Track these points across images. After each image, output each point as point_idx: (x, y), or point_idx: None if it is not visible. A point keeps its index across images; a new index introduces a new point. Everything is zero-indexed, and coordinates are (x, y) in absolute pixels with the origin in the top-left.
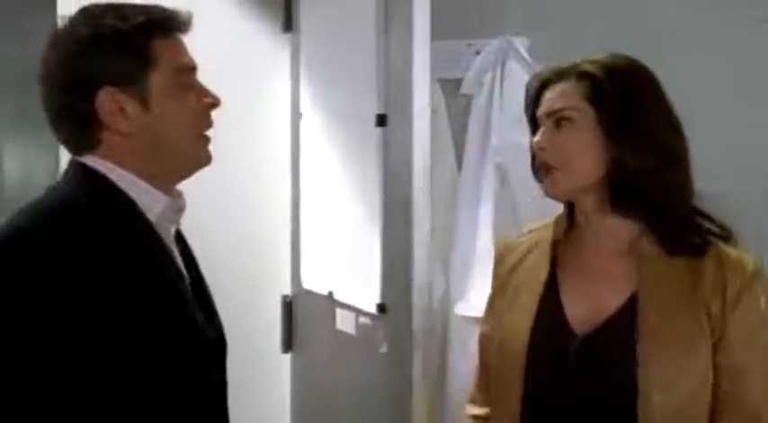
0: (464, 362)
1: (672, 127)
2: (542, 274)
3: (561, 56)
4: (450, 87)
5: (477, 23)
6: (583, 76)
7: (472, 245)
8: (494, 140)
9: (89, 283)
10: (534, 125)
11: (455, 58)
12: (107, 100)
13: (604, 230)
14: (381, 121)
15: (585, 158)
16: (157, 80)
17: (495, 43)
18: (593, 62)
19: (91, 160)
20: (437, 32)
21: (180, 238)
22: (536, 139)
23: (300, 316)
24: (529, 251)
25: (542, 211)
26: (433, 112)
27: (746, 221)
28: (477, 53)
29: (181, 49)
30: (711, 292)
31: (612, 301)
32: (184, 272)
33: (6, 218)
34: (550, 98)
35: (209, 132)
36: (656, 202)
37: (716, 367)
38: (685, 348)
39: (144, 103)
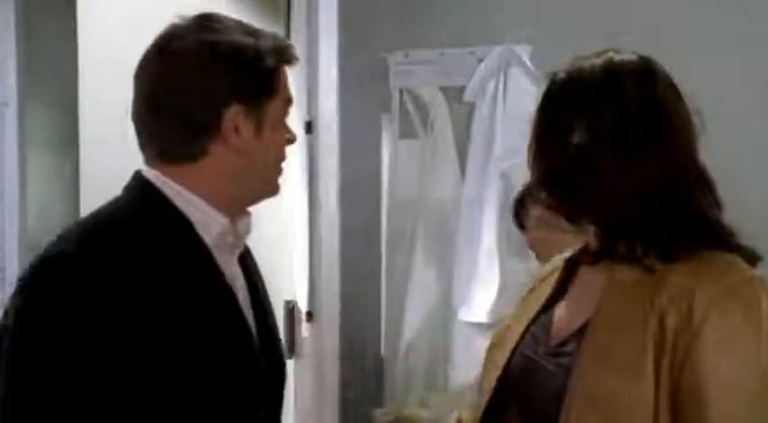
0: (467, 369)
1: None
2: (547, 290)
3: (563, 64)
4: (453, 95)
5: (480, 31)
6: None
7: (476, 251)
8: (497, 148)
9: (125, 311)
10: None
11: (459, 65)
12: (234, 117)
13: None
14: (308, 128)
15: None
16: (273, 107)
17: (497, 51)
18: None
19: (152, 175)
20: (437, 41)
21: (246, 264)
22: None
23: None
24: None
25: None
26: (434, 120)
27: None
28: (480, 61)
29: (288, 81)
30: (669, 301)
31: (579, 317)
32: (240, 298)
33: None
34: None
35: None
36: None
37: (677, 388)
38: (626, 367)
39: (258, 127)
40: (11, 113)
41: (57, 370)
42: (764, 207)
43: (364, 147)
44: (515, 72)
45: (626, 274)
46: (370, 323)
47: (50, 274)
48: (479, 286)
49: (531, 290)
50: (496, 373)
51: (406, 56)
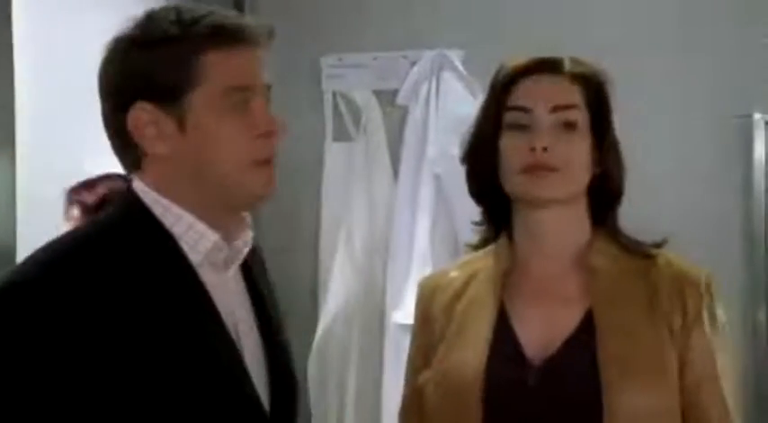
0: (400, 373)
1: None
2: (491, 304)
3: (495, 68)
4: (386, 98)
5: (413, 35)
6: (578, 77)
7: (409, 254)
8: (430, 151)
9: (86, 343)
10: (498, 117)
11: (391, 68)
12: (140, 117)
13: (560, 245)
14: None
15: (583, 166)
16: (198, 98)
17: (430, 55)
18: (580, 63)
19: (138, 185)
20: (371, 45)
21: (251, 275)
22: (539, 137)
23: None
24: (467, 284)
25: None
26: (367, 123)
27: None
28: (413, 65)
29: (241, 65)
30: (670, 306)
31: (567, 321)
32: (238, 317)
33: None
34: (546, 92)
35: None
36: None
37: (684, 386)
38: (654, 373)
39: (181, 123)
40: None
41: (13, 407)
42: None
43: (298, 149)
44: (448, 76)
45: (611, 273)
46: (304, 323)
47: (14, 304)
48: (413, 289)
49: (447, 307)
50: (474, 409)
51: (340, 59)
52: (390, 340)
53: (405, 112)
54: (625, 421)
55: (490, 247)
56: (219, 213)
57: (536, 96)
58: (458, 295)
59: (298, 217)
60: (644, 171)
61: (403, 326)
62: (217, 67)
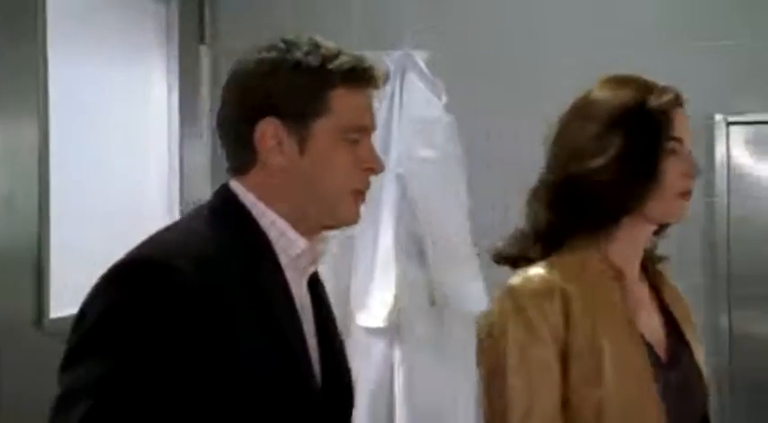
0: (367, 375)
1: None
2: (621, 312)
3: (458, 70)
4: None
5: (377, 35)
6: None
7: (373, 256)
8: (394, 152)
9: (196, 322)
10: (660, 144)
11: None
12: (268, 130)
13: (639, 257)
14: None
15: None
16: (323, 127)
17: (394, 55)
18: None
19: (237, 187)
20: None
21: (316, 289)
22: (696, 166)
23: None
24: (579, 294)
25: (444, 222)
26: None
27: None
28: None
29: (360, 105)
30: (686, 315)
31: (658, 324)
32: (305, 323)
33: None
34: (686, 125)
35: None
36: None
37: None
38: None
39: (302, 144)
40: None
41: (123, 371)
42: None
43: None
44: (412, 77)
45: (667, 282)
46: None
47: (134, 277)
48: (377, 290)
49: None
50: (648, 393)
51: None
52: (355, 342)
53: None
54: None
55: (555, 259)
56: (308, 226)
57: (686, 128)
58: (579, 305)
59: None
60: None
61: (368, 328)
62: (343, 103)
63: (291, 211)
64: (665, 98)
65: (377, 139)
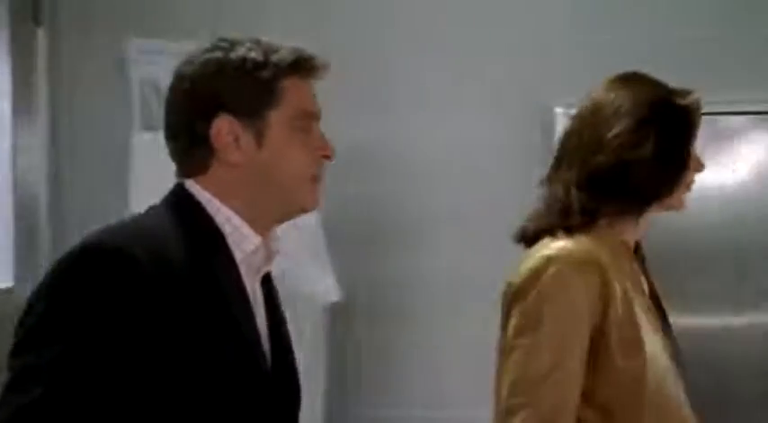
0: None
1: None
2: (639, 284)
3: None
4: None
5: (179, 22)
6: None
7: None
8: None
9: (149, 311)
10: (691, 139)
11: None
12: (223, 127)
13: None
14: None
15: None
16: (277, 118)
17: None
18: None
19: (192, 186)
20: (139, 30)
21: (269, 287)
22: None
23: None
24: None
25: None
26: None
27: None
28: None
29: (308, 93)
30: (662, 293)
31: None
32: (256, 315)
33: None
34: None
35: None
36: None
37: None
38: None
39: (258, 138)
40: None
41: (76, 357)
42: None
43: (103, 139)
44: None
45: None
46: None
47: (88, 263)
48: None
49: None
50: (667, 359)
51: (148, 46)
52: None
53: None
54: None
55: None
56: (265, 222)
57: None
58: (613, 276)
59: (104, 213)
60: (449, 166)
61: None
62: (293, 92)
63: (248, 207)
64: (694, 97)
65: None
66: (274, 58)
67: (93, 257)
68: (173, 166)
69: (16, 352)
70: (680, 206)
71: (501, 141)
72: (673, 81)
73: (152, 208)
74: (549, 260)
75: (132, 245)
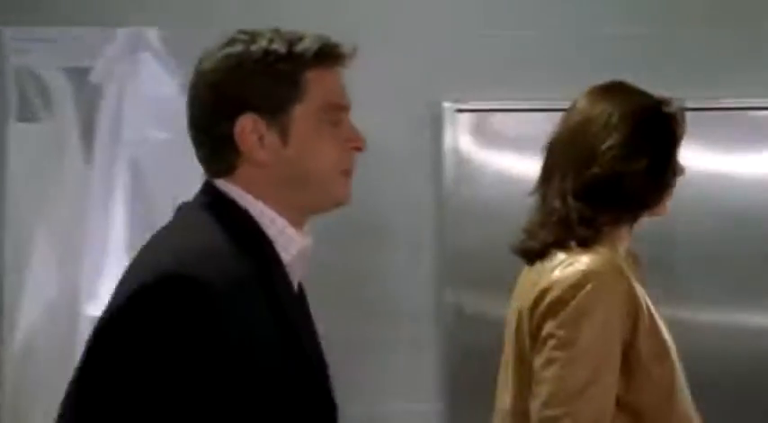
0: None
1: None
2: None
3: (194, 49)
4: (78, 76)
5: (110, 10)
6: None
7: (105, 243)
8: (126, 134)
9: (223, 334)
10: (677, 147)
11: (84, 44)
12: (246, 127)
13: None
14: None
15: None
16: (302, 112)
17: (126, 32)
18: None
19: (226, 186)
20: (63, 18)
21: (301, 290)
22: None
23: None
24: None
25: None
26: (56, 103)
27: None
28: (109, 42)
29: (335, 84)
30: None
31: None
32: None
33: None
34: None
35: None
36: None
37: None
38: None
39: (283, 135)
40: None
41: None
42: None
43: None
44: (145, 56)
45: None
46: None
47: (159, 296)
48: (108, 280)
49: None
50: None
51: (25, 32)
52: (82, 334)
53: (98, 91)
54: None
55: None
56: (300, 218)
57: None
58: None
59: None
60: None
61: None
62: (318, 84)
63: (282, 207)
64: (676, 104)
65: (108, 121)
66: (298, 48)
67: (170, 288)
68: (50, 158)
69: (96, 383)
70: (665, 212)
71: (386, 136)
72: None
73: (192, 214)
74: (586, 275)
75: (206, 270)
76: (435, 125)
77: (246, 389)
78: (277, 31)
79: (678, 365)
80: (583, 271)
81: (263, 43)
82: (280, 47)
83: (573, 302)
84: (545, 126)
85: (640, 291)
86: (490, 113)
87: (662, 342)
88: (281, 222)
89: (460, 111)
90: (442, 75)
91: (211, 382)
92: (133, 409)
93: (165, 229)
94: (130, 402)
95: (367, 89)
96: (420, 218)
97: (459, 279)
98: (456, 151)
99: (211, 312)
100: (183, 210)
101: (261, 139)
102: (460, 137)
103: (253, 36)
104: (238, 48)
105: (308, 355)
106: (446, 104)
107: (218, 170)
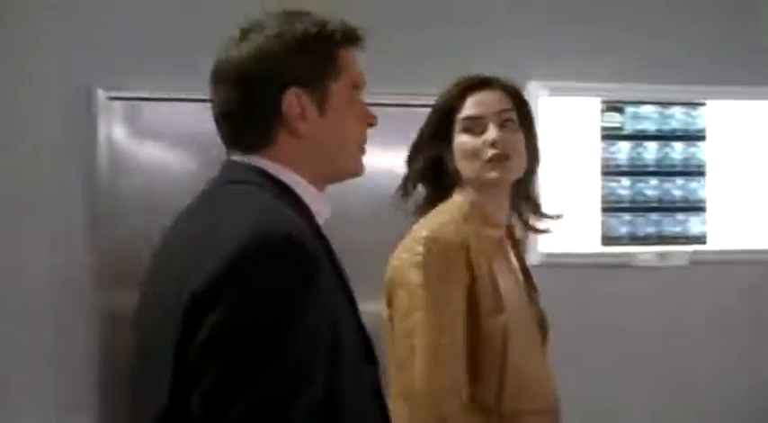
0: None
1: None
2: (501, 250)
3: None
4: None
5: None
6: (508, 88)
7: None
8: None
9: (323, 287)
10: (448, 126)
11: None
12: (293, 100)
13: (502, 217)
14: None
15: (523, 153)
16: (337, 88)
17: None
18: (500, 79)
19: (271, 165)
20: None
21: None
22: (491, 135)
23: None
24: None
25: None
26: None
27: None
28: None
29: (357, 63)
30: None
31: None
32: None
33: None
34: (488, 101)
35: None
36: None
37: None
38: None
39: (321, 107)
40: None
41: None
42: None
43: None
44: None
45: None
46: None
47: (275, 250)
48: None
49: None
50: (529, 315)
51: None
52: None
53: None
54: None
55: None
56: (322, 188)
57: (481, 107)
58: (476, 248)
59: None
60: None
61: None
62: (348, 62)
63: (311, 175)
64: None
65: None
66: (329, 29)
67: (277, 245)
68: None
69: (240, 352)
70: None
71: (38, 121)
72: None
73: (233, 187)
74: (426, 241)
75: (295, 229)
76: (88, 114)
77: (345, 336)
78: (307, 13)
79: (518, 317)
80: (419, 238)
81: (298, 25)
82: (316, 27)
83: (405, 270)
84: (200, 116)
85: (482, 248)
86: (145, 102)
87: (498, 297)
88: (313, 190)
89: (113, 99)
90: (95, 60)
91: (333, 318)
92: (312, 349)
93: (208, 203)
94: (302, 344)
95: (20, 70)
96: (73, 211)
97: (115, 273)
98: (109, 141)
99: (315, 267)
100: (215, 187)
101: (303, 111)
102: (114, 125)
103: (287, 17)
104: (276, 29)
105: (361, 323)
106: (99, 92)
107: (254, 145)
